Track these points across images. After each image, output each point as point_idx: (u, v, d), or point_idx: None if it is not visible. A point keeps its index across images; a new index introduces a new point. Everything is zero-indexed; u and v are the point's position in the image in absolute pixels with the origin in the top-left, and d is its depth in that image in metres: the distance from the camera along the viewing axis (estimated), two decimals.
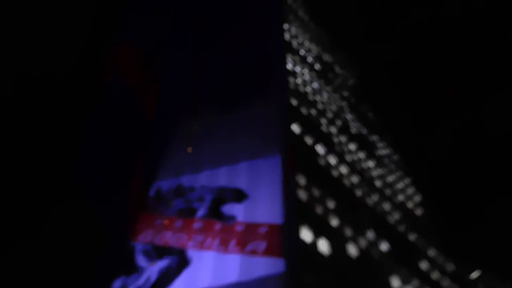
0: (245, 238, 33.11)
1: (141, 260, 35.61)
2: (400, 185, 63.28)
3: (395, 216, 51.78)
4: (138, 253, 36.48)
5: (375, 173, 57.82)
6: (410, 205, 59.68)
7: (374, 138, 65.83)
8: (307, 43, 69.33)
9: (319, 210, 38.12)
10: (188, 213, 38.39)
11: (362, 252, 38.80)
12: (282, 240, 31.14)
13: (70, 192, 52.48)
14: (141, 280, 33.65)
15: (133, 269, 34.98)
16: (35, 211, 51.36)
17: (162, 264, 34.34)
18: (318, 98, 56.39)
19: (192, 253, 34.28)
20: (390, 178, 61.95)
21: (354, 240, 39.21)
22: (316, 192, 39.82)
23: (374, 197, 51.25)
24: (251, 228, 33.84)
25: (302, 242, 32.02)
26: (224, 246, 33.56)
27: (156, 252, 35.80)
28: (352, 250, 37.60)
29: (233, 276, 30.10)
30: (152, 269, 34.19)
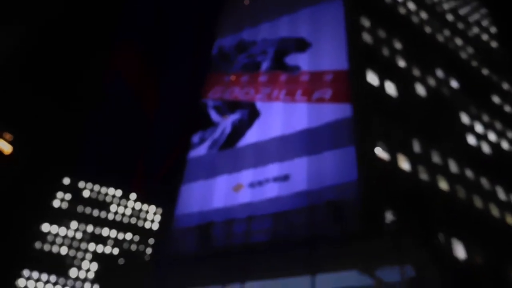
0: (311, 87, 33.43)
1: (214, 115, 37.77)
2: (475, 17, 58.16)
3: (468, 51, 48.90)
4: (210, 109, 38.54)
5: (446, 6, 53.13)
6: (483, 37, 55.50)
7: None
8: None
9: (385, 52, 36.85)
10: (253, 67, 38.80)
11: (431, 91, 38.15)
12: (348, 86, 31.09)
13: None
14: (217, 133, 36.15)
15: (208, 124, 37.42)
16: None
17: (234, 117, 36.28)
18: None
19: (261, 105, 35.60)
20: (463, 10, 56.84)
21: (423, 79, 38.31)
22: (382, 34, 38.01)
23: (446, 33, 48.04)
24: (316, 77, 33.86)
25: (369, 85, 31.94)
26: (291, 96, 34.32)
27: (227, 106, 37.58)
28: (420, 90, 37.04)
29: (302, 123, 31.30)
30: (226, 122, 36.36)
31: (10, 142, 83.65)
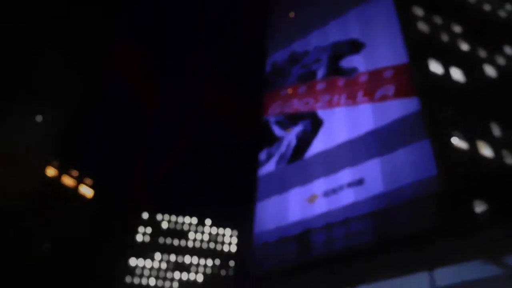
0: (372, 87, 32.61)
1: (277, 130, 37.92)
2: None
3: None
4: (272, 124, 38.75)
5: None
6: None
7: None
8: None
9: (445, 37, 35.21)
10: (309, 76, 38.65)
11: (502, 70, 35.76)
12: (411, 78, 29.96)
13: None
14: (283, 147, 36.19)
15: (273, 140, 37.59)
16: None
17: (297, 129, 36.19)
18: None
19: (322, 113, 35.25)
20: None
21: (491, 60, 36.04)
22: (438, 20, 36.40)
23: (508, 7, 45.07)
24: (375, 75, 33.02)
25: (434, 74, 30.58)
26: (352, 99, 33.67)
27: (289, 120, 37.60)
28: (490, 70, 34.83)
29: (368, 124, 30.50)
30: (290, 136, 36.34)
31: (90, 186, 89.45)
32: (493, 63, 35.60)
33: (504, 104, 31.82)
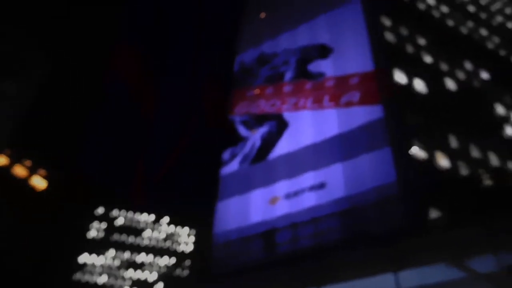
0: (338, 92, 32.99)
1: (242, 130, 37.66)
2: (497, 5, 56.70)
3: (495, 40, 47.56)
4: (238, 124, 38.46)
5: None
6: (508, 25, 53.93)
7: None
8: None
9: (410, 49, 36.15)
10: (276, 78, 38.67)
11: (462, 84, 37.11)
12: (376, 86, 30.52)
13: None
14: (247, 147, 35.96)
15: (237, 139, 37.29)
16: None
17: (262, 130, 36.07)
18: None
19: (288, 115, 35.31)
20: (484, 0, 55.54)
21: (452, 73, 37.32)
22: (404, 31, 37.34)
23: (469, 24, 46.95)
24: (342, 81, 33.44)
25: (398, 84, 31.27)
26: (318, 103, 33.94)
27: (255, 120, 37.43)
28: (450, 84, 36.05)
29: (333, 129, 30.81)
30: (255, 136, 36.17)
31: (44, 177, 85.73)
32: (453, 76, 36.89)
33: (462, 117, 33.01)
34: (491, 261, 18.70)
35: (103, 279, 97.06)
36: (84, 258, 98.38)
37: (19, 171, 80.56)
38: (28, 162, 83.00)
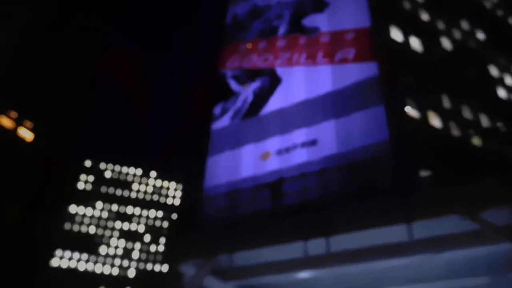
0: (332, 48, 32.32)
1: (234, 85, 37.01)
2: None
3: (493, 0, 46.71)
4: (229, 79, 37.75)
5: None
6: None
7: None
8: None
9: (407, 6, 35.31)
10: (270, 32, 37.65)
11: (457, 44, 36.67)
12: (372, 43, 29.93)
13: None
14: (239, 102, 35.48)
15: (229, 94, 36.71)
16: None
17: (255, 85, 35.48)
18: None
19: (281, 70, 34.69)
20: None
21: (448, 33, 36.76)
22: None
23: None
24: (337, 37, 32.69)
25: (394, 42, 30.72)
26: (312, 59, 33.30)
27: (247, 75, 36.74)
28: (446, 43, 35.58)
29: (326, 86, 30.41)
30: (247, 91, 35.62)
31: (31, 130, 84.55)
32: (450, 36, 36.37)
33: (456, 78, 32.86)
34: (507, 214, 18.75)
35: (92, 229, 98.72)
36: (74, 208, 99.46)
37: (5, 122, 79.29)
38: (14, 114, 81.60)
